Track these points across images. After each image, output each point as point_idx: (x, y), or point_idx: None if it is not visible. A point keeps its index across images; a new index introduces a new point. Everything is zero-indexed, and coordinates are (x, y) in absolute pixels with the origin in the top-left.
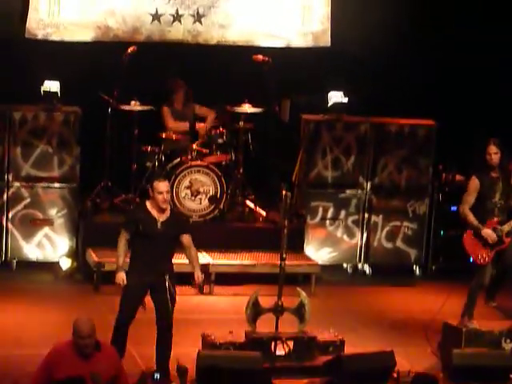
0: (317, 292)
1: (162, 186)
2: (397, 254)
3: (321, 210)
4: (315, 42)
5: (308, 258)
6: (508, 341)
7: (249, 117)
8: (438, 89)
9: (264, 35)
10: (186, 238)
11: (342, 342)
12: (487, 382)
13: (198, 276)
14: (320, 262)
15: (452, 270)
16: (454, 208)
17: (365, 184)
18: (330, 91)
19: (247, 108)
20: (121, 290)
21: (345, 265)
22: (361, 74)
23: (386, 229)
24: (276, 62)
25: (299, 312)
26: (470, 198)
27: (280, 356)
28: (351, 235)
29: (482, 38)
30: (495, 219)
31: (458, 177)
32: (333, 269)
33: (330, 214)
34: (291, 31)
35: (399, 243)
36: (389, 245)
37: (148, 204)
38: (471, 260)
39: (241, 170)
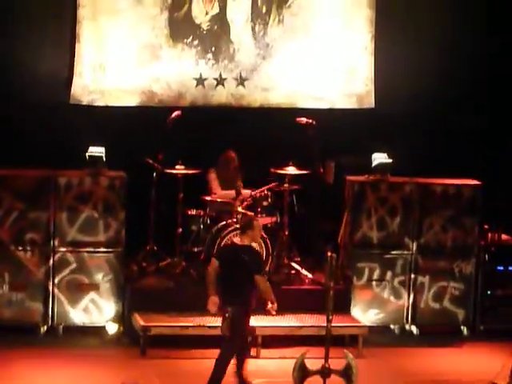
0: (364, 354)
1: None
2: (444, 315)
3: (367, 270)
4: (359, 104)
5: (355, 320)
6: None
7: (294, 179)
8: (482, 147)
9: (307, 97)
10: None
11: None
12: None
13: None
14: (367, 324)
15: (500, 331)
16: (500, 268)
17: (410, 244)
18: (374, 152)
19: (292, 170)
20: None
21: (392, 326)
22: (404, 135)
23: (433, 289)
24: (320, 124)
25: (346, 374)
26: None
27: None
28: (398, 296)
29: None
30: None
31: (504, 236)
32: (380, 330)
33: (376, 274)
34: (335, 93)
35: (446, 303)
36: (436, 305)
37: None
38: None
39: (286, 232)
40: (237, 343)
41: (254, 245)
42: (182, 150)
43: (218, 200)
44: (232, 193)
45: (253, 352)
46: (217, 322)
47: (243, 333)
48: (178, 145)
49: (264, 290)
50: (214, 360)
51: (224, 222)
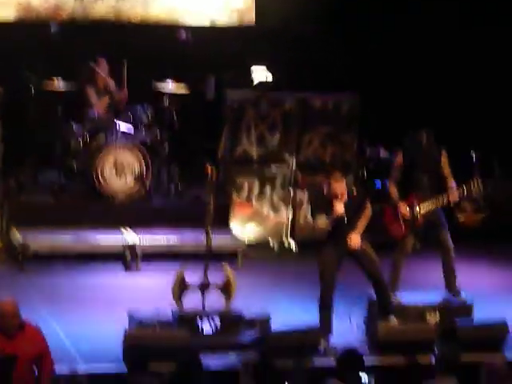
0: (243, 268)
1: (338, 187)
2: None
3: (246, 186)
4: (240, 20)
5: (234, 235)
6: (432, 314)
7: (174, 94)
8: (361, 63)
9: (187, 12)
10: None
11: (269, 318)
12: (412, 355)
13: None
14: (246, 239)
15: (375, 244)
16: (377, 183)
17: (290, 160)
18: (254, 68)
19: (171, 86)
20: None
21: (271, 241)
22: (285, 51)
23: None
24: (200, 40)
25: (225, 288)
26: (395, 173)
27: (207, 333)
28: (277, 211)
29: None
30: (417, 195)
31: (382, 152)
32: (259, 245)
33: (255, 190)
34: (216, 9)
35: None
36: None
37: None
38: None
39: (166, 148)
40: None
41: None
42: (61, 65)
43: (97, 115)
44: (106, 99)
45: (133, 266)
46: (95, 238)
47: None
48: (57, 60)
49: None
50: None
51: (104, 138)
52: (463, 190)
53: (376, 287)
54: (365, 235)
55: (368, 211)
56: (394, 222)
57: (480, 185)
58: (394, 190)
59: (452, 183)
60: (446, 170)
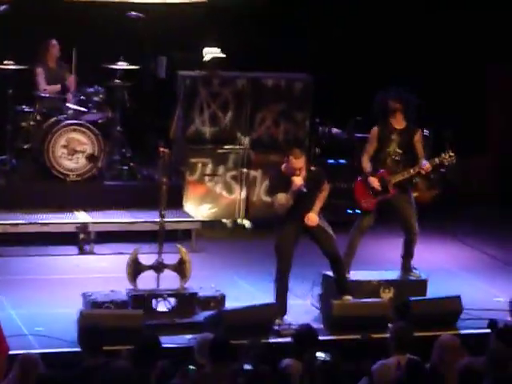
0: (197, 248)
1: (298, 163)
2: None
3: (200, 166)
4: None
5: (187, 215)
6: (386, 290)
7: (125, 74)
8: (315, 41)
9: None
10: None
11: (223, 297)
12: (366, 331)
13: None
14: (200, 218)
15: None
16: (331, 161)
17: (243, 139)
18: (206, 47)
19: (123, 65)
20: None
21: (224, 220)
22: (237, 29)
23: (265, 183)
24: (152, 18)
25: (180, 268)
26: (370, 147)
27: (162, 313)
28: (230, 190)
29: None
30: (386, 170)
31: (334, 129)
32: (213, 225)
33: (208, 169)
34: None
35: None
36: (268, 199)
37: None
38: (348, 211)
39: (118, 128)
40: None
41: None
42: (11, 45)
43: (48, 96)
44: (57, 87)
45: (86, 247)
46: (48, 219)
47: None
48: (6, 39)
49: None
50: None
51: (55, 118)
52: (436, 161)
53: (333, 265)
54: (322, 213)
55: (326, 190)
56: (365, 195)
57: (453, 156)
58: (367, 164)
59: (423, 162)
60: (419, 149)
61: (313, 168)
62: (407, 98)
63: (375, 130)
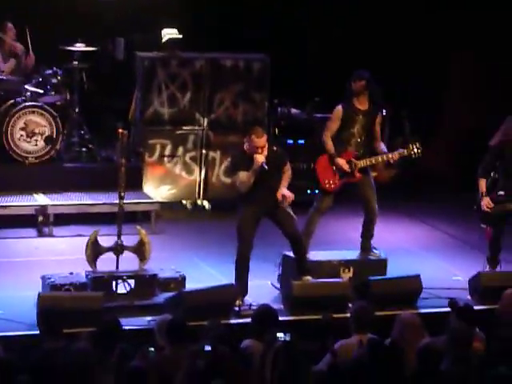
0: (157, 229)
1: (260, 142)
2: (234, 190)
3: (158, 147)
4: None
5: (147, 196)
6: (346, 270)
7: (83, 56)
8: (271, 23)
9: None
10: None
11: (183, 278)
12: (327, 311)
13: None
14: (159, 200)
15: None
16: (290, 141)
17: (201, 120)
18: (164, 28)
19: (81, 47)
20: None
21: (184, 201)
22: (195, 10)
23: (224, 164)
24: (109, 1)
25: (139, 250)
26: (333, 125)
27: (121, 295)
28: (189, 172)
29: None
30: (352, 151)
31: (293, 110)
32: (172, 206)
33: (167, 151)
34: None
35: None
36: (227, 180)
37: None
38: (309, 192)
39: (76, 110)
40: None
41: None
42: None
43: (5, 78)
44: (13, 62)
45: (45, 229)
46: (6, 201)
47: None
48: None
49: None
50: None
51: (12, 101)
52: (404, 153)
53: (294, 246)
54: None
55: (289, 170)
56: (329, 175)
57: (420, 149)
58: (330, 144)
59: (381, 145)
60: (377, 132)
61: (275, 148)
62: (370, 80)
63: (339, 109)
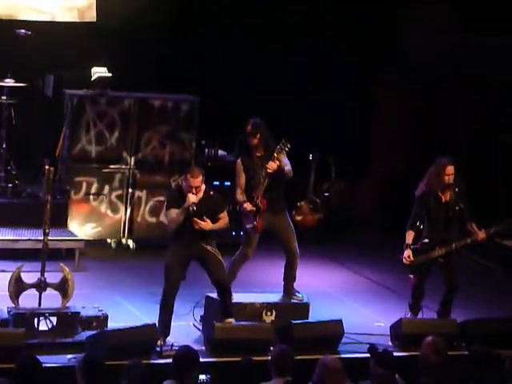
0: (80, 267)
1: (194, 182)
2: (160, 229)
3: (85, 185)
4: (80, 17)
5: (71, 233)
6: (269, 313)
7: (12, 91)
8: (201, 65)
9: (27, 9)
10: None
11: (106, 317)
12: (248, 354)
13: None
14: (84, 238)
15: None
16: (216, 183)
17: (128, 159)
18: (94, 66)
19: (10, 82)
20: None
21: (109, 240)
22: (125, 50)
23: (150, 204)
24: (40, 37)
25: (62, 287)
26: (240, 180)
27: (43, 332)
28: (115, 210)
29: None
30: (260, 193)
31: (220, 152)
32: (96, 244)
33: (93, 189)
34: (56, 6)
35: (162, 218)
36: (152, 219)
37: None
38: (233, 233)
39: (4, 145)
40: None
41: None
42: None
43: None
44: None
45: None
46: None
47: None
48: None
49: None
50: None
51: None
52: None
53: (221, 293)
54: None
55: (224, 219)
56: (247, 219)
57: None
58: (240, 196)
59: None
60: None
61: (211, 193)
62: (262, 129)
63: (239, 162)
